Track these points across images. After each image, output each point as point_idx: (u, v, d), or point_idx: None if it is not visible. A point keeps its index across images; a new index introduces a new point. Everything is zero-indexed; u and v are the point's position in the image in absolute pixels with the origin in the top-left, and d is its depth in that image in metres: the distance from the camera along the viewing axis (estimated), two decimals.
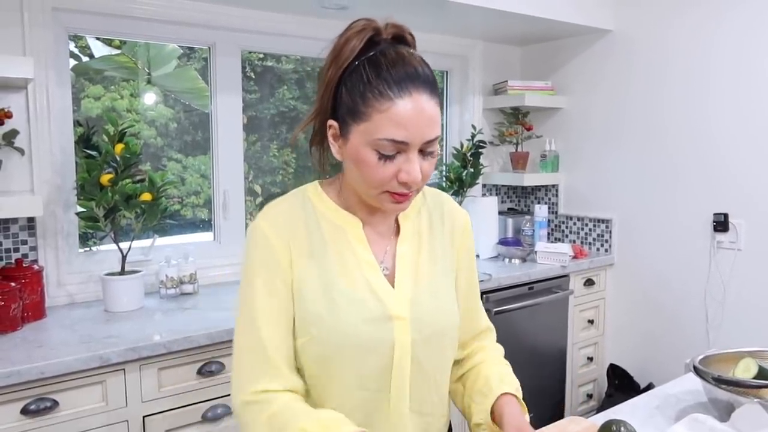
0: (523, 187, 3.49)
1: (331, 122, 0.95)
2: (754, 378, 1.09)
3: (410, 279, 1.00)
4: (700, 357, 1.21)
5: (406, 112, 0.87)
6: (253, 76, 3.03)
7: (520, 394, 1.05)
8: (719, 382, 1.08)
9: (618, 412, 1.20)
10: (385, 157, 0.89)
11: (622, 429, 0.94)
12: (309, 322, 0.94)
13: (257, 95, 3.04)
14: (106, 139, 1.98)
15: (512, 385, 1.05)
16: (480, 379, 1.07)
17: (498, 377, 1.06)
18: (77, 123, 2.18)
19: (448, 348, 1.04)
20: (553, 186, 3.30)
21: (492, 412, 1.01)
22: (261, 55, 3.06)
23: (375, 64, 0.90)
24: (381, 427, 0.97)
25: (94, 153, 2.00)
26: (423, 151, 0.91)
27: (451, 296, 1.05)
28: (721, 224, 2.63)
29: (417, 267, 1.02)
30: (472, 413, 1.06)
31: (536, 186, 3.39)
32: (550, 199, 3.34)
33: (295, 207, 0.99)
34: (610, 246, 3.07)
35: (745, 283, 2.59)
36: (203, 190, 2.73)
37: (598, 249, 3.12)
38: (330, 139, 0.96)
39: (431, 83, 0.91)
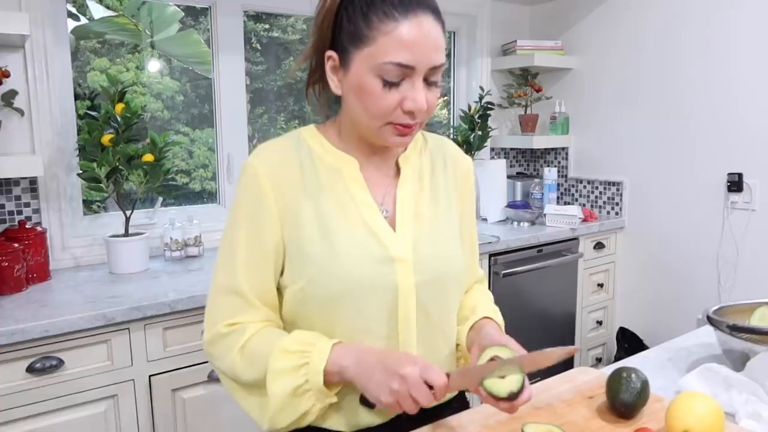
0: (532, 151, 3.44)
1: (330, 53, 0.90)
2: None
3: (411, 221, 0.96)
4: (715, 308, 1.17)
5: (412, 33, 0.83)
6: (259, 48, 2.98)
7: (502, 327, 1.04)
8: (735, 330, 1.05)
9: (628, 364, 1.17)
10: (389, 84, 0.85)
11: (633, 376, 0.91)
12: (306, 264, 0.91)
13: (263, 67, 2.99)
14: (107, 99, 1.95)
15: (496, 314, 1.06)
16: (466, 308, 1.07)
17: (484, 307, 1.06)
18: (81, 94, 2.14)
19: (453, 293, 1.01)
20: (563, 149, 3.24)
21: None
22: (267, 26, 3.00)
23: None
24: None
25: (94, 114, 1.97)
26: (427, 80, 0.87)
27: (455, 240, 1.02)
28: (735, 184, 2.57)
29: (418, 209, 0.98)
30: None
31: (546, 149, 3.33)
32: (559, 162, 3.28)
33: (290, 147, 0.96)
34: (620, 209, 3.02)
35: (760, 243, 2.54)
36: (211, 163, 2.70)
37: (608, 212, 3.07)
38: (328, 72, 0.92)
39: (435, 8, 0.88)
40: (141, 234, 2.05)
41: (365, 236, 0.92)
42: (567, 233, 2.75)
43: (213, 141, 2.53)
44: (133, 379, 1.67)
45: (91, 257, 2.14)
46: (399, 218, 0.96)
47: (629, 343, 2.92)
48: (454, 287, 1.01)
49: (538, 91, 3.16)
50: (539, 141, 3.08)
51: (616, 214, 3.04)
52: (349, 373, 0.83)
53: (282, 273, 0.94)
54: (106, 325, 1.60)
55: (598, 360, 3.09)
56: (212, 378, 1.78)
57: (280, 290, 0.96)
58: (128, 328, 1.65)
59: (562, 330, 2.88)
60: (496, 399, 0.80)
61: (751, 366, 1.02)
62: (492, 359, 0.84)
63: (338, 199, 0.93)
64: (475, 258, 1.13)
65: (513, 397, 0.79)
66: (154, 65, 2.98)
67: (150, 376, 1.69)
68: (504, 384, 0.80)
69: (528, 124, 3.18)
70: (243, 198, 0.94)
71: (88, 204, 2.29)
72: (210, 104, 2.52)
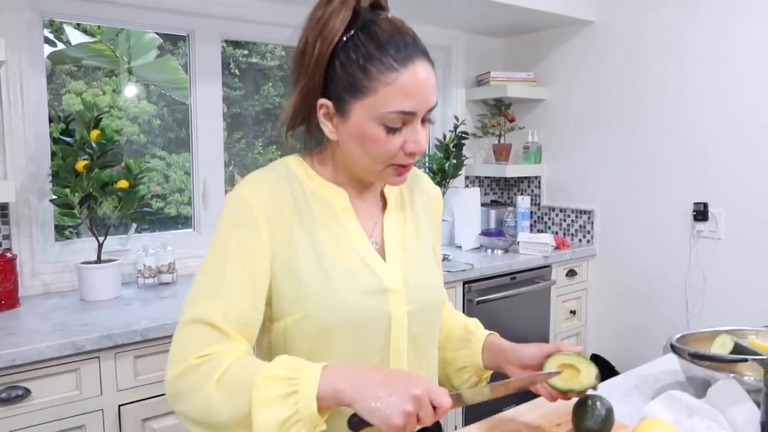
0: (506, 179, 3.50)
1: (322, 101, 0.91)
2: (730, 354, 1.09)
3: (399, 252, 0.99)
4: (678, 336, 1.21)
5: (413, 82, 0.86)
6: (237, 73, 3.00)
7: None
8: (695, 357, 1.08)
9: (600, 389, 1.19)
10: (392, 131, 0.88)
11: (598, 404, 0.94)
12: (304, 298, 0.90)
13: (241, 92, 3.01)
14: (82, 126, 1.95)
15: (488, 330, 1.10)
16: (453, 330, 1.11)
17: (474, 324, 1.11)
18: (55, 117, 2.14)
19: (437, 321, 1.05)
20: (536, 178, 3.30)
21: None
22: (245, 52, 3.03)
23: (370, 35, 0.87)
24: None
25: (69, 140, 1.96)
26: (423, 120, 0.91)
27: (435, 270, 1.06)
28: (700, 213, 2.64)
29: (404, 240, 1.01)
30: (451, 360, 1.09)
31: (519, 177, 3.39)
32: (532, 190, 3.34)
33: (279, 178, 0.96)
34: (592, 237, 3.08)
35: (725, 272, 2.60)
36: (187, 187, 2.70)
37: (580, 240, 3.13)
38: (321, 119, 0.92)
39: (425, 51, 0.90)
40: (113, 261, 2.03)
41: (359, 267, 0.93)
42: (540, 261, 2.79)
43: (189, 165, 2.53)
44: (101, 409, 1.64)
45: (61, 284, 2.11)
46: (388, 249, 0.98)
47: (601, 369, 2.94)
48: (437, 315, 1.05)
49: (511, 121, 3.23)
50: (512, 170, 3.14)
51: (588, 242, 3.10)
52: (344, 396, 0.77)
53: (269, 306, 0.93)
54: (76, 353, 1.58)
55: None
56: None
57: (264, 324, 0.93)
58: (98, 357, 1.63)
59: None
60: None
61: (712, 393, 1.05)
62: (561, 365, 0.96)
63: (330, 230, 0.94)
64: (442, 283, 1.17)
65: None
66: (131, 90, 2.99)
67: (120, 405, 1.66)
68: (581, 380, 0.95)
69: (501, 153, 3.24)
70: (231, 228, 0.90)
71: (60, 229, 2.27)
72: (187, 128, 2.53)
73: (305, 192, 0.96)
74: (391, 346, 0.94)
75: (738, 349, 1.09)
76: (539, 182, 3.30)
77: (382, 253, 0.98)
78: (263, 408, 0.75)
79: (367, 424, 0.80)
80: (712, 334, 1.22)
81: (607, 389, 1.21)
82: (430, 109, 0.90)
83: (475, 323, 1.13)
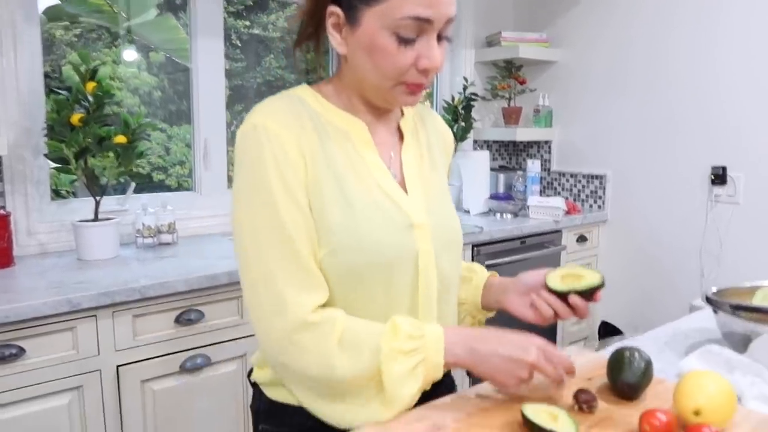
0: (515, 144, 3.40)
1: (332, 8, 0.83)
2: None
3: (420, 186, 0.92)
4: (714, 290, 1.13)
5: None
6: (239, 45, 2.91)
7: None
8: (738, 309, 1.00)
9: (625, 344, 1.12)
10: (404, 42, 0.80)
11: (636, 355, 0.86)
12: (329, 231, 0.82)
13: (243, 64, 2.92)
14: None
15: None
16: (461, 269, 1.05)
17: (477, 266, 1.07)
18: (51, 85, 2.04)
19: (461, 261, 1.00)
20: (546, 142, 3.21)
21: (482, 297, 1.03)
22: (247, 23, 2.93)
23: None
24: None
25: (63, 92, 1.87)
26: (439, 36, 0.83)
27: (453, 207, 1.00)
28: (719, 177, 2.56)
29: (422, 174, 0.94)
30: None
31: (528, 142, 3.29)
32: (542, 155, 3.25)
33: (294, 104, 0.87)
34: (603, 203, 3.00)
35: (743, 237, 2.53)
36: (188, 159, 2.62)
37: (591, 206, 3.05)
38: (330, 29, 0.84)
39: None
40: (111, 219, 1.95)
41: (383, 200, 0.86)
42: (550, 225, 2.71)
43: (190, 137, 2.44)
44: (99, 370, 1.57)
45: (58, 243, 2.03)
46: (409, 182, 0.91)
47: (611, 336, 2.89)
48: (461, 255, 0.99)
49: (521, 83, 3.13)
50: (522, 133, 3.04)
51: (599, 207, 3.01)
52: (463, 363, 0.81)
53: None
54: (71, 311, 1.50)
55: None
56: (185, 369, 1.69)
57: None
58: (95, 315, 1.55)
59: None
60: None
61: (755, 347, 0.98)
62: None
63: (351, 162, 0.87)
64: None
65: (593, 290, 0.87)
66: (130, 54, 2.88)
67: (118, 366, 1.60)
68: (584, 279, 0.88)
69: (511, 116, 3.14)
70: (263, 157, 0.80)
71: (57, 194, 2.19)
72: (188, 101, 2.43)
73: (321, 121, 0.87)
74: (420, 287, 0.87)
75: None
76: (549, 147, 3.20)
77: (402, 186, 0.90)
78: (398, 383, 0.78)
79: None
80: (750, 289, 1.14)
81: (638, 343, 1.14)
82: (448, 22, 0.82)
83: (478, 266, 1.08)
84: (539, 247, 2.70)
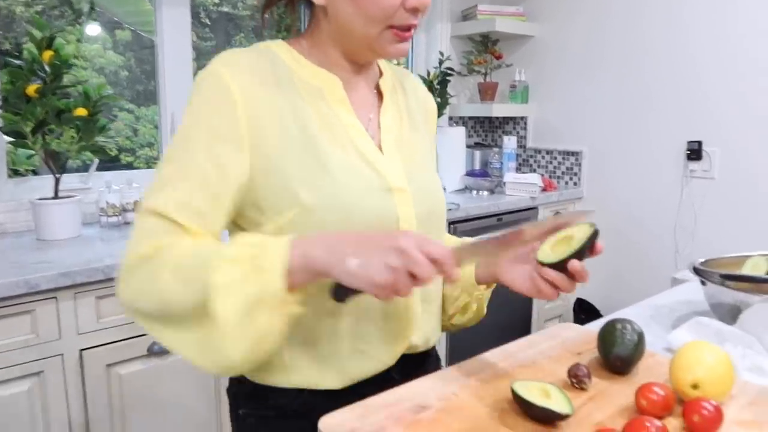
0: (490, 120, 3.35)
1: None
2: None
3: (399, 150, 0.86)
4: (700, 261, 1.10)
5: None
6: (209, 23, 2.80)
7: None
8: (728, 279, 0.97)
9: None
10: None
11: (628, 327, 0.82)
12: (296, 192, 0.76)
13: (212, 43, 2.82)
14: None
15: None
16: (447, 242, 0.98)
17: (469, 239, 0.96)
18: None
19: (444, 230, 0.94)
20: (522, 118, 3.17)
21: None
22: (216, 0, 2.82)
23: None
24: (394, 315, 0.83)
25: (18, 62, 1.75)
26: None
27: (436, 174, 0.94)
28: (694, 152, 2.55)
29: (402, 138, 0.88)
30: None
31: (504, 118, 3.25)
32: (518, 132, 3.21)
33: (262, 57, 0.81)
34: (579, 179, 2.98)
35: (717, 212, 2.53)
36: (157, 141, 2.52)
37: (566, 183, 3.03)
38: None
39: None
40: (73, 197, 1.85)
41: (359, 162, 0.80)
42: (527, 202, 2.68)
43: (158, 118, 2.33)
44: (61, 354, 1.49)
45: (16, 224, 1.93)
46: (386, 145, 0.85)
47: (586, 314, 2.89)
48: (444, 224, 0.93)
49: (498, 58, 3.07)
50: (498, 109, 2.99)
51: (575, 184, 2.99)
52: (319, 264, 0.66)
53: (255, 208, 0.79)
54: (30, 293, 1.42)
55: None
56: (153, 352, 1.62)
57: (246, 230, 0.81)
58: (55, 297, 1.47)
59: (519, 299, 2.82)
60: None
61: (745, 318, 0.95)
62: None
63: (323, 120, 0.80)
64: None
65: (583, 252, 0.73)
66: (94, 30, 2.75)
67: (81, 350, 1.52)
68: (573, 239, 0.74)
69: (487, 92, 3.09)
70: (201, 111, 0.76)
71: (15, 172, 2.08)
72: (155, 81, 2.32)
73: (293, 78, 0.81)
74: None
75: None
76: (525, 123, 3.16)
77: (380, 149, 0.84)
78: (221, 293, 0.64)
79: (353, 292, 0.68)
80: (737, 259, 1.11)
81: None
82: None
83: (470, 239, 0.99)
84: (515, 223, 2.66)
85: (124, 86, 2.62)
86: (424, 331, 0.88)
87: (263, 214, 0.78)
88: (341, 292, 0.69)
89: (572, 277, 0.75)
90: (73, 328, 1.50)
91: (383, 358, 0.83)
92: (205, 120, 0.75)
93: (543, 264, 0.75)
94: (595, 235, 0.74)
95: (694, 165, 2.57)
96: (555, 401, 0.66)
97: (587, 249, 0.74)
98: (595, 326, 1.04)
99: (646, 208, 2.75)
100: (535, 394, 0.68)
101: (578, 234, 0.74)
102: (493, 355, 0.86)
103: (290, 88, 0.79)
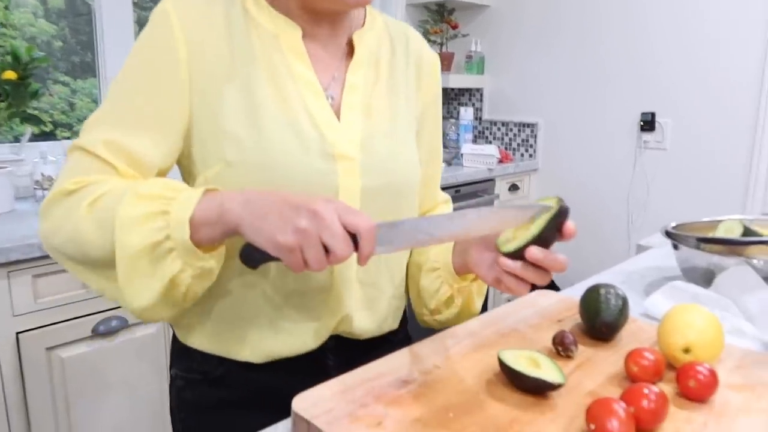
0: (446, 92, 3.31)
1: None
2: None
3: (361, 114, 0.77)
4: (672, 224, 1.08)
5: None
6: None
7: None
8: (705, 242, 0.95)
9: (582, 286, 1.06)
10: None
11: (612, 293, 0.79)
12: (224, 145, 0.70)
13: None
14: None
15: None
16: None
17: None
18: None
19: (406, 208, 0.82)
20: (478, 90, 3.14)
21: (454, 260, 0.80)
22: None
23: None
24: (319, 296, 0.76)
25: None
26: None
27: (411, 145, 0.84)
28: (648, 124, 2.58)
29: (371, 102, 0.79)
30: (423, 262, 0.84)
31: (460, 90, 3.21)
32: (474, 104, 3.18)
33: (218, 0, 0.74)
34: (534, 151, 2.98)
35: (669, 183, 2.57)
36: None
37: (522, 155, 3.02)
38: None
39: None
40: (3, 168, 1.71)
41: (302, 123, 0.72)
42: (484, 174, 2.66)
43: (97, 92, 2.18)
44: None
45: None
46: (346, 107, 0.76)
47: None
48: (408, 201, 0.82)
49: (454, 27, 3.02)
50: (455, 80, 2.95)
51: (530, 156, 2.99)
52: (232, 217, 0.61)
53: (188, 159, 0.74)
54: None
55: (509, 301, 3.07)
56: (98, 333, 1.51)
57: (186, 181, 0.77)
58: None
59: None
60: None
61: (720, 282, 0.93)
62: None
63: (273, 73, 0.73)
64: (437, 178, 0.95)
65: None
66: None
67: (17, 333, 1.40)
68: (533, 223, 0.62)
69: (443, 62, 3.03)
70: (144, 50, 0.71)
71: None
72: (92, 52, 2.16)
73: (248, 23, 0.74)
74: None
75: (749, 233, 0.97)
76: (481, 95, 3.13)
77: (338, 112, 0.76)
78: (126, 229, 0.61)
79: (263, 256, 0.61)
80: (708, 224, 1.10)
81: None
82: None
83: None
84: (473, 195, 2.64)
85: (59, 57, 2.44)
86: (366, 316, 0.81)
87: (195, 165, 0.73)
88: (251, 255, 0.63)
89: (544, 267, 0.63)
90: (7, 310, 1.38)
91: (306, 339, 0.77)
92: (147, 61, 0.71)
93: (502, 253, 0.63)
94: (560, 214, 0.61)
95: (647, 136, 2.60)
96: (546, 371, 0.62)
97: (554, 232, 0.62)
98: (570, 293, 1.01)
99: (600, 180, 2.77)
100: (523, 363, 0.64)
101: (539, 212, 0.63)
102: (471, 326, 0.81)
103: (242, 34, 0.73)
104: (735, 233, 0.97)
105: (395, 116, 0.81)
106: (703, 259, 0.97)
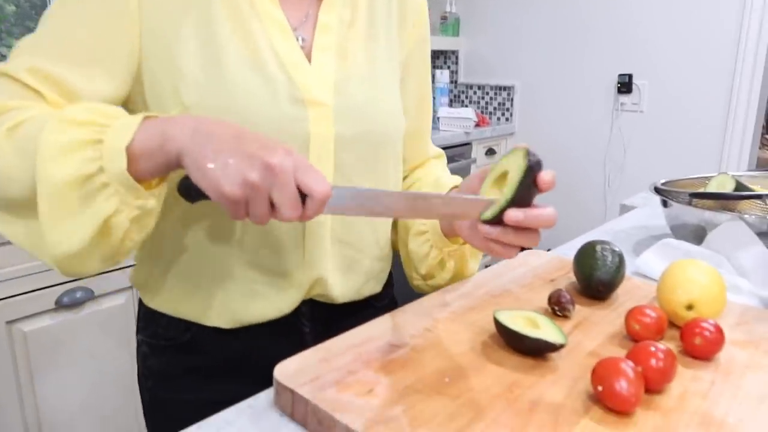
0: None
1: None
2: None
3: (334, 57, 0.70)
4: (662, 181, 1.05)
5: None
6: None
7: None
8: (698, 197, 0.92)
9: (571, 246, 1.03)
10: None
11: (608, 248, 0.75)
12: (181, 88, 0.62)
13: None
14: None
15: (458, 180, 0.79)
16: (425, 185, 0.83)
17: (452, 179, 0.81)
18: None
19: (388, 160, 0.76)
20: (453, 52, 3.07)
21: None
22: None
23: None
24: (292, 256, 0.70)
25: None
26: None
27: (394, 91, 0.77)
28: (625, 85, 2.55)
29: (347, 44, 0.72)
30: (410, 223, 0.79)
31: (435, 51, 3.14)
32: (449, 66, 3.11)
33: None
34: (511, 114, 2.94)
35: (646, 144, 2.56)
36: None
37: (498, 118, 2.98)
38: None
39: None
40: None
41: (268, 64, 0.65)
42: (461, 137, 2.61)
43: None
44: None
45: None
46: (317, 50, 0.69)
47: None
48: (388, 153, 0.76)
49: None
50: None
51: (507, 119, 2.95)
52: (175, 146, 0.52)
53: (141, 103, 0.66)
54: None
55: (487, 266, 3.07)
56: (62, 305, 1.44)
57: None
58: None
59: None
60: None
61: (713, 238, 0.91)
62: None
63: (235, 9, 0.65)
64: (427, 130, 0.89)
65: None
66: None
67: None
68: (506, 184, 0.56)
69: None
70: None
71: None
72: None
73: None
74: None
75: (741, 188, 0.94)
76: (457, 57, 3.06)
77: (309, 54, 0.69)
78: (51, 158, 0.52)
79: (201, 193, 0.54)
80: (696, 181, 1.07)
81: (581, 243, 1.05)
82: None
83: (453, 178, 0.81)
84: (450, 160, 2.57)
85: (12, 23, 2.29)
86: (344, 278, 0.74)
87: (149, 110, 0.65)
88: (189, 190, 0.56)
89: (527, 229, 0.57)
90: None
91: (277, 303, 0.70)
92: None
93: (481, 220, 0.57)
94: (531, 169, 0.55)
95: (624, 98, 2.58)
96: (546, 331, 0.58)
97: (529, 188, 0.55)
98: (561, 251, 0.97)
99: (577, 142, 2.75)
100: (520, 324, 0.60)
101: (512, 171, 0.56)
102: (461, 286, 0.77)
103: None
104: (727, 188, 0.94)
105: (374, 60, 0.74)
106: (694, 215, 0.94)
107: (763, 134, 2.61)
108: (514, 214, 0.55)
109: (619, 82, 2.56)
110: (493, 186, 0.60)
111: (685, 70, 2.41)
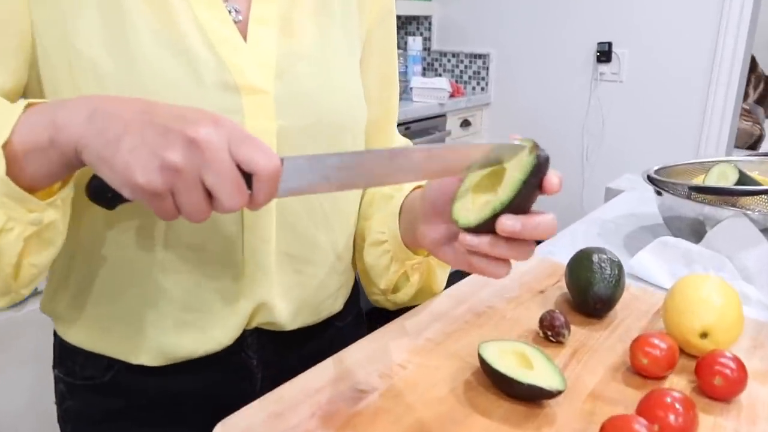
0: None
1: None
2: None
3: (277, 32, 0.56)
4: (655, 168, 0.96)
5: None
6: None
7: None
8: (697, 191, 0.83)
9: (557, 242, 0.94)
10: None
11: (605, 259, 0.66)
12: (75, 71, 0.49)
13: None
14: None
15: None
16: (382, 192, 0.69)
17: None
18: None
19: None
20: (426, 18, 2.92)
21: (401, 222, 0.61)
22: None
23: None
24: (227, 279, 0.57)
25: None
26: None
27: (351, 75, 0.64)
28: (604, 54, 2.45)
29: (292, 16, 0.58)
30: (366, 229, 0.67)
31: (407, 17, 2.99)
32: (422, 33, 2.97)
33: None
34: (487, 84, 2.82)
35: (625, 115, 2.48)
36: None
37: (474, 88, 2.86)
38: None
39: None
40: None
41: (191, 42, 0.51)
42: (435, 109, 2.50)
43: None
44: None
45: None
46: (254, 23, 0.55)
47: None
48: (349, 145, 0.63)
49: None
50: (401, 7, 2.71)
51: (482, 89, 2.84)
52: (68, 136, 0.40)
53: (39, 93, 0.53)
54: None
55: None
56: None
57: None
58: None
59: None
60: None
61: (714, 237, 0.82)
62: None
63: None
64: (393, 117, 0.76)
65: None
66: None
67: None
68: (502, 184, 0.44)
69: None
70: None
71: None
72: None
73: None
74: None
75: (744, 179, 0.86)
76: (430, 23, 2.92)
77: (244, 31, 0.55)
78: None
79: (118, 194, 0.41)
80: (693, 167, 0.99)
81: (569, 239, 0.96)
82: None
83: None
84: (424, 133, 2.48)
85: None
86: (293, 302, 0.62)
87: (45, 96, 0.52)
88: (101, 191, 0.43)
89: (517, 239, 0.44)
90: None
91: (215, 335, 0.58)
92: None
93: (461, 227, 0.45)
94: (539, 169, 0.43)
95: (603, 68, 2.48)
96: (541, 373, 0.49)
97: (533, 191, 0.44)
98: (547, 249, 0.88)
99: (555, 113, 2.65)
100: (511, 362, 0.50)
101: (512, 168, 0.44)
102: (440, 302, 0.67)
103: None
104: (729, 179, 0.86)
105: (327, 37, 0.61)
106: (691, 208, 0.86)
107: (743, 106, 2.55)
108: (510, 223, 0.43)
109: (598, 51, 2.46)
110: (476, 192, 0.47)
111: (666, 39, 2.31)
